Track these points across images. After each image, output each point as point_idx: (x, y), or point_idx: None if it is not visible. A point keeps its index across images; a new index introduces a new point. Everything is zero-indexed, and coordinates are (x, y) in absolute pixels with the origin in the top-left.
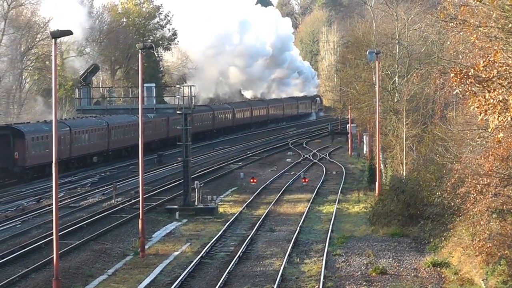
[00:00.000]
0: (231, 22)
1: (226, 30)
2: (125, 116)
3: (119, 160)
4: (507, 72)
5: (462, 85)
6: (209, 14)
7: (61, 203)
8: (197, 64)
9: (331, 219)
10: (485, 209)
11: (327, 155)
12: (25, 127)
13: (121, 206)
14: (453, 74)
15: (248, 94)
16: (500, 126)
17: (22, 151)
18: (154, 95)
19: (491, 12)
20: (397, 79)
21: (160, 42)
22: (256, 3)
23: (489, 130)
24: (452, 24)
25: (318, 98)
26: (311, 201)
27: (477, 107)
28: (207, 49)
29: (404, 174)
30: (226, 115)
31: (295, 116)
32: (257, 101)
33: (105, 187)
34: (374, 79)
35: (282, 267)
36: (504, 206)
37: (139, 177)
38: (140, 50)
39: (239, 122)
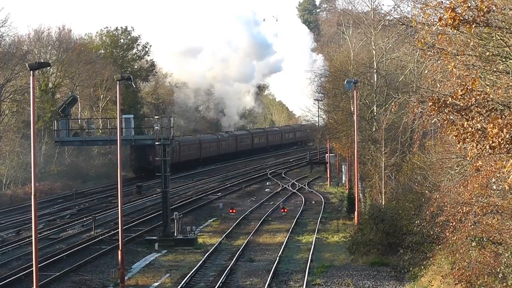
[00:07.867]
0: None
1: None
2: (210, 135)
3: (208, 164)
4: (485, 100)
5: (440, 113)
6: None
7: (41, 234)
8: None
9: (310, 249)
10: (465, 237)
11: (306, 184)
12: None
13: (101, 237)
14: (431, 103)
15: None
16: (478, 155)
17: (154, 156)
18: (133, 126)
19: (469, 41)
20: (375, 108)
21: (138, 73)
22: None
23: (468, 158)
24: (430, 52)
25: None
26: (290, 230)
27: (455, 136)
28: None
29: (383, 203)
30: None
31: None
32: (272, 128)
33: (84, 219)
34: (352, 108)
35: None
36: (484, 234)
37: (118, 208)
38: (118, 81)
39: (256, 146)
